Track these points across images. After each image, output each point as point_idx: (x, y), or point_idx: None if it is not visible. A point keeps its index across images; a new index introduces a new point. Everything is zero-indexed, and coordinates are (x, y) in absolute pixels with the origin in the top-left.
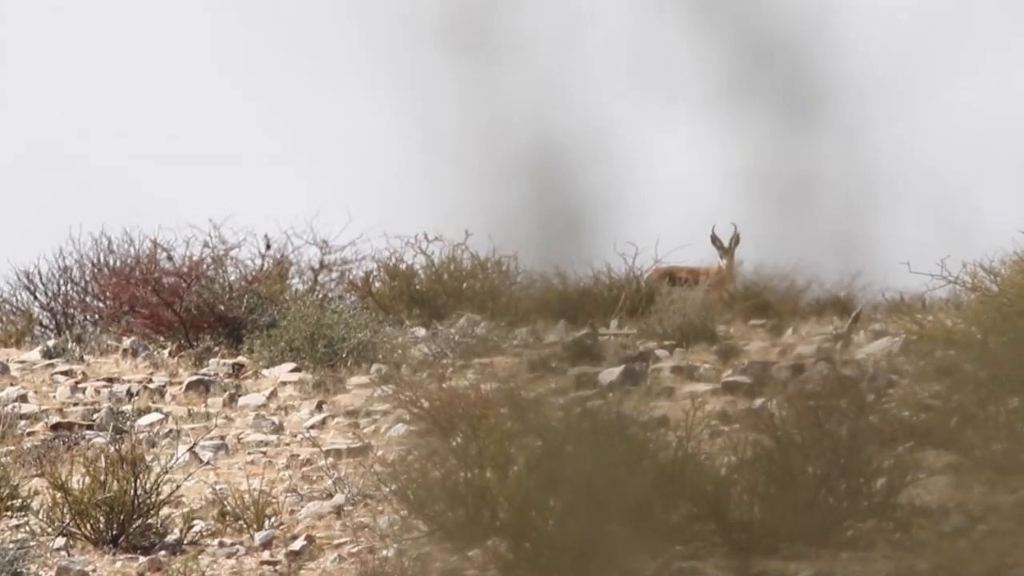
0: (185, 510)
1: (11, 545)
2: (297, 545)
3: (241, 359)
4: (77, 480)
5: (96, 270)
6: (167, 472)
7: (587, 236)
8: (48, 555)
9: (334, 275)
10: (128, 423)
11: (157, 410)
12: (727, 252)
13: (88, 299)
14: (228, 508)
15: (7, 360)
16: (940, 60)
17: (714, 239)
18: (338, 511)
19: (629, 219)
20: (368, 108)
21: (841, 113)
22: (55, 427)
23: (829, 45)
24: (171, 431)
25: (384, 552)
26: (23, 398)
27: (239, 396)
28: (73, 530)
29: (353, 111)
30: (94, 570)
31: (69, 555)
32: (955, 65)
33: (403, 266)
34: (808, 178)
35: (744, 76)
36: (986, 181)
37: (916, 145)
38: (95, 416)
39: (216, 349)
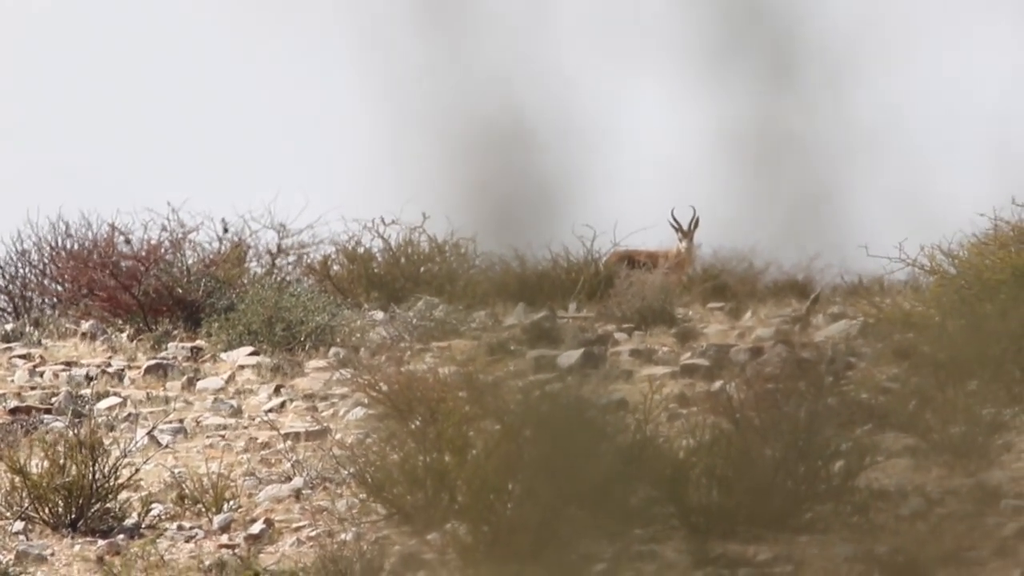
0: (144, 494)
1: None
2: (256, 528)
3: (199, 343)
4: (36, 464)
5: (54, 253)
6: (126, 456)
7: (558, 209)
8: (6, 539)
9: (292, 259)
10: (87, 407)
11: (116, 394)
12: (686, 235)
13: (46, 282)
14: (187, 492)
15: None
16: (922, 23)
17: (673, 222)
18: (297, 494)
19: (602, 189)
20: (331, 88)
21: (823, 74)
22: (13, 411)
23: (811, 5)
24: (130, 415)
25: (343, 535)
26: None
27: (197, 380)
28: (32, 514)
29: (313, 93)
30: (52, 554)
31: (28, 539)
32: (936, 28)
33: (361, 249)
34: (788, 140)
35: (725, 37)
36: (955, 158)
37: (890, 113)
38: (53, 400)
39: (174, 333)
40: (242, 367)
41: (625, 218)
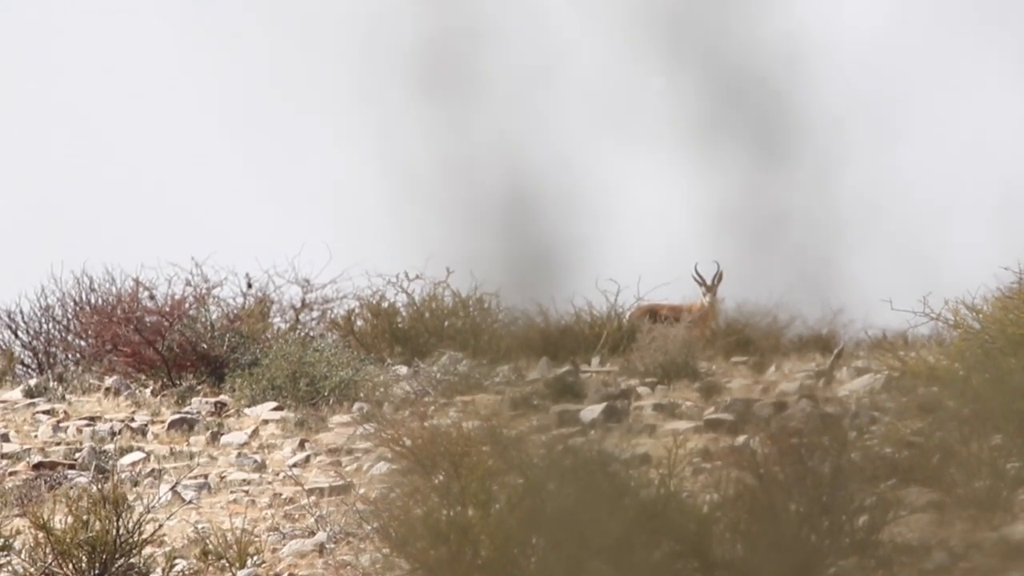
0: (167, 549)
1: None
2: None
3: (223, 398)
4: (59, 520)
5: (78, 309)
6: (149, 511)
7: (559, 274)
8: None
9: (315, 313)
10: (110, 462)
11: (139, 449)
12: (710, 289)
13: (70, 338)
14: (210, 547)
15: None
16: (913, 94)
17: (697, 276)
18: (320, 549)
19: (601, 257)
20: (347, 146)
21: (814, 148)
22: (37, 466)
23: (801, 81)
24: (153, 470)
25: None
26: (4, 437)
27: (221, 435)
28: (55, 570)
29: (333, 149)
30: None
31: None
32: (929, 99)
33: (385, 304)
34: (781, 214)
35: (717, 112)
36: (962, 216)
37: (890, 180)
38: (77, 455)
39: (198, 388)
40: (266, 422)
41: (639, 273)
